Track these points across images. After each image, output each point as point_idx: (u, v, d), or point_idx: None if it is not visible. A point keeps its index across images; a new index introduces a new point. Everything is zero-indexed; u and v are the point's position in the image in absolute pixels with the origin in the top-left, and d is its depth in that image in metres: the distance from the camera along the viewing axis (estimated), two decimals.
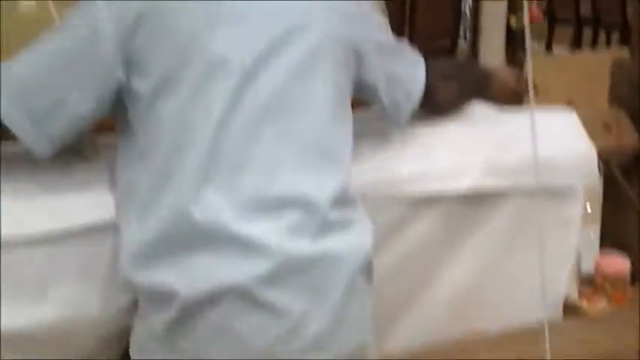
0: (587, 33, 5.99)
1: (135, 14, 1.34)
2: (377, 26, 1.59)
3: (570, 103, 1.90)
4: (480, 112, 1.84)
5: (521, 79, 1.87)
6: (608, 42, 5.94)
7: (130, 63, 1.35)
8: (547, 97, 1.88)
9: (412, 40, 5.00)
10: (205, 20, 1.36)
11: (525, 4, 2.61)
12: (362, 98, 1.61)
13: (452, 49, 4.45)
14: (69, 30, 1.39)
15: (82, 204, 1.46)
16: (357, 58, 1.52)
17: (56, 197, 1.46)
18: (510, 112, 1.85)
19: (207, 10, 1.36)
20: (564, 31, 6.01)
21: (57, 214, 1.43)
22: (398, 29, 4.11)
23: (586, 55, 5.48)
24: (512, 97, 1.86)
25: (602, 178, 1.93)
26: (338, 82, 1.47)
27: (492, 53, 3.26)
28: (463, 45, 4.54)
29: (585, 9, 5.97)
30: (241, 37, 1.37)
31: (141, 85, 1.36)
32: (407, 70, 1.63)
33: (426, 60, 1.68)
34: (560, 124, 1.85)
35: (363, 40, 1.53)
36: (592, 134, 1.86)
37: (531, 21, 2.67)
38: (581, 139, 1.85)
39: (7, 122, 1.36)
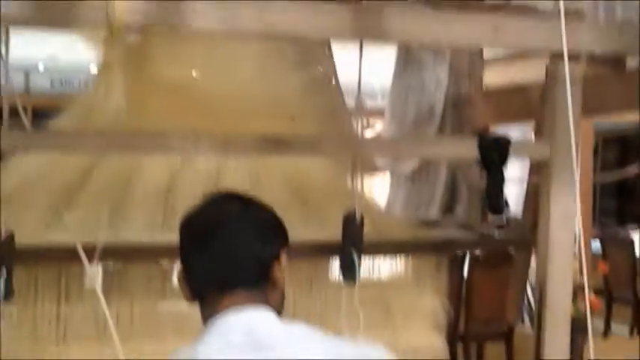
0: None
1: None
2: None
3: None
4: None
5: None
6: None
7: None
8: None
9: (468, 324, 4.79)
10: None
11: (587, 295, 2.48)
12: None
13: (509, 334, 4.29)
14: None
15: None
16: None
17: None
18: None
19: None
20: (623, 308, 5.87)
21: None
22: (454, 312, 3.99)
23: None
24: None
25: None
26: None
27: (556, 341, 3.18)
28: (521, 329, 4.38)
29: None
30: None
31: None
32: None
33: None
34: None
35: None
36: None
37: (591, 310, 2.53)
38: None
39: None
